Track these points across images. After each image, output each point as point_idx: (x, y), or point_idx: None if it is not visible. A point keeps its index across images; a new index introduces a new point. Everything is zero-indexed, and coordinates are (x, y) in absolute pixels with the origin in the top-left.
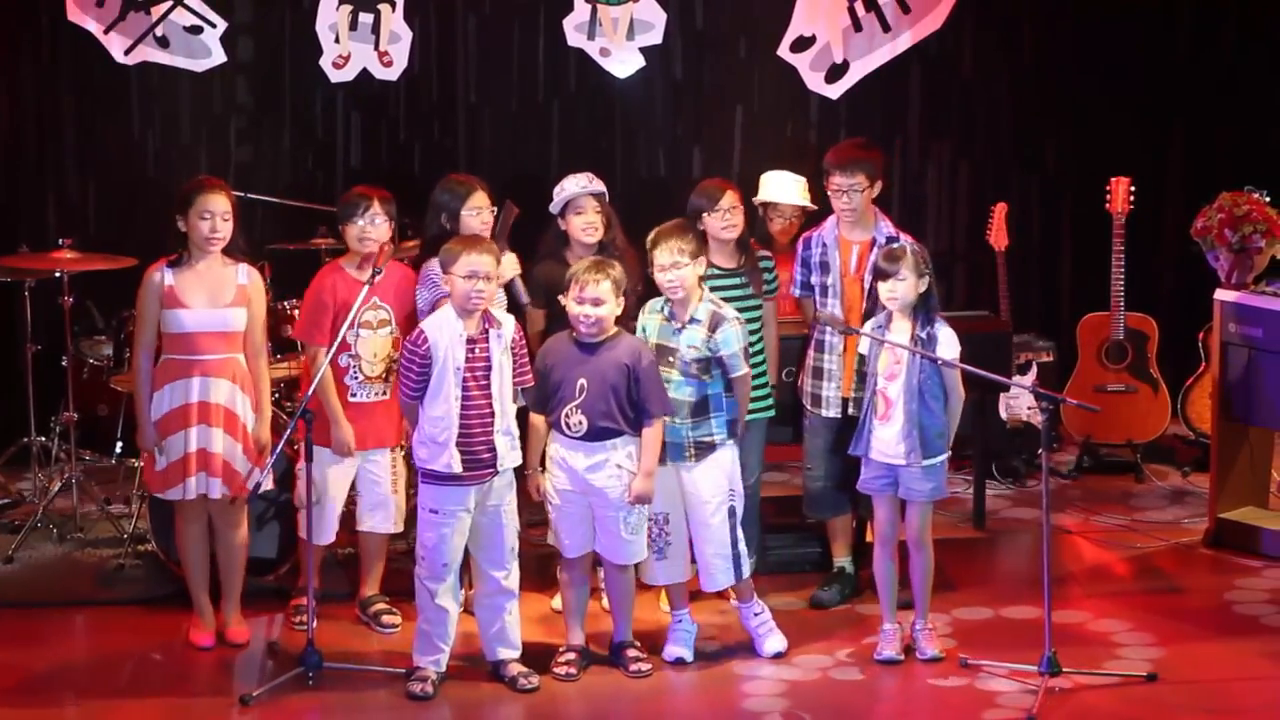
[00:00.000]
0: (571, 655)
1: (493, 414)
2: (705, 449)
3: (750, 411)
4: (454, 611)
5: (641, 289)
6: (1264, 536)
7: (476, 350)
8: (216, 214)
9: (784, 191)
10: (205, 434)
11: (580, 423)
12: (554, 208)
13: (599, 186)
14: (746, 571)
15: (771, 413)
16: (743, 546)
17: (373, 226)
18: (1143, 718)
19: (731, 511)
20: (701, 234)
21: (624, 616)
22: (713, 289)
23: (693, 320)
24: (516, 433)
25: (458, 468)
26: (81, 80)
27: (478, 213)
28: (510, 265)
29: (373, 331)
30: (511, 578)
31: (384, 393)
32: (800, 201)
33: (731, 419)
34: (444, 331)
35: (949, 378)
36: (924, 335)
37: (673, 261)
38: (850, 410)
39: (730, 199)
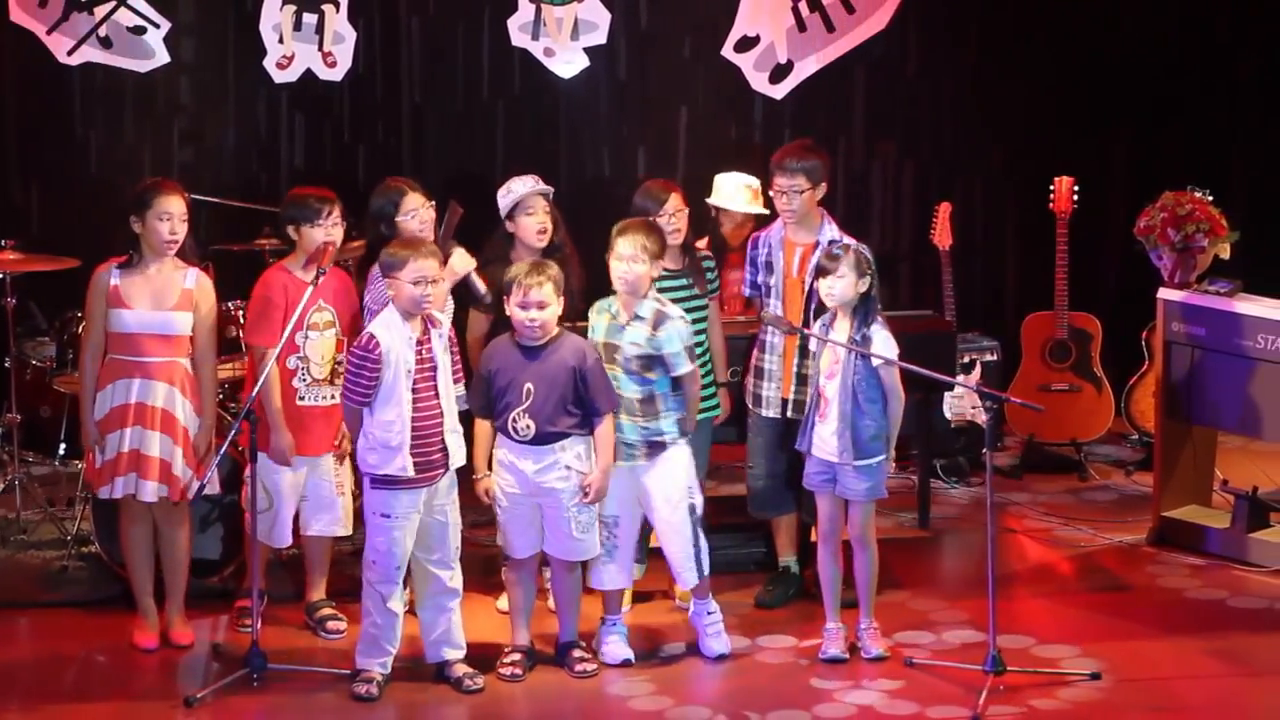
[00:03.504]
0: (517, 656)
1: (441, 413)
2: (656, 448)
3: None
4: (402, 615)
5: (585, 288)
6: (1207, 535)
7: (423, 351)
8: (175, 215)
9: (731, 198)
10: (139, 435)
11: (528, 427)
12: (503, 209)
13: (547, 186)
14: (706, 569)
15: (716, 412)
16: (703, 543)
17: (336, 230)
18: (1087, 716)
19: (691, 509)
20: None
21: (570, 617)
22: (660, 290)
23: (637, 318)
24: (461, 430)
25: (411, 471)
26: (24, 81)
27: (413, 215)
28: (462, 261)
29: (320, 333)
30: (456, 578)
31: (332, 396)
32: (746, 209)
33: (680, 417)
34: (394, 335)
35: (887, 380)
36: (859, 337)
37: (633, 254)
38: (790, 412)
39: (675, 202)
